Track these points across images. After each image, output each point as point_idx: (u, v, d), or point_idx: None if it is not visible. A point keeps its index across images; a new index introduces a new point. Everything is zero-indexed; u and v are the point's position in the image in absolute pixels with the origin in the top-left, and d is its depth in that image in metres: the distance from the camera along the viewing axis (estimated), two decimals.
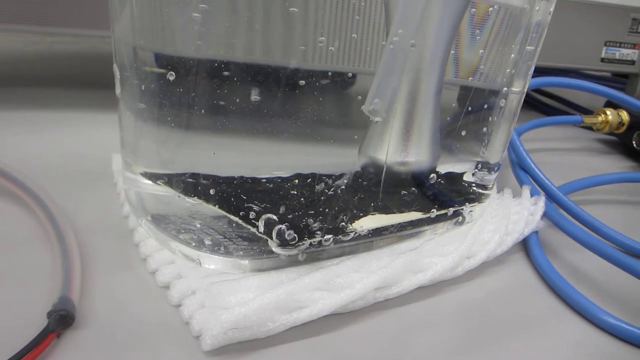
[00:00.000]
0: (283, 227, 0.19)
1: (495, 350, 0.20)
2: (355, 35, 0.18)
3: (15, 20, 0.36)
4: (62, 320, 0.17)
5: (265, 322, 0.18)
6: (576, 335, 0.21)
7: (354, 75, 0.19)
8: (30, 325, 0.17)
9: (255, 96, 0.17)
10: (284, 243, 0.19)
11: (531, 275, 0.25)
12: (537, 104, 0.61)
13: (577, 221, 0.27)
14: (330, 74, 0.18)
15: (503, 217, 0.26)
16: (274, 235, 0.19)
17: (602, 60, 0.53)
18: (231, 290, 0.18)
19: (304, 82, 0.18)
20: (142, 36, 0.19)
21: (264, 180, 0.19)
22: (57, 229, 0.22)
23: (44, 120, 0.38)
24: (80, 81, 0.51)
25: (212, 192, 0.19)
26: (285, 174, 0.19)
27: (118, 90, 0.21)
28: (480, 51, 0.21)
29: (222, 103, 0.17)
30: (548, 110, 0.59)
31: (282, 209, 0.19)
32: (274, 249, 0.19)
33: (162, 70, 0.18)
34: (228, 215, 0.19)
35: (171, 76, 0.17)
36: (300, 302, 0.19)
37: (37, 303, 0.18)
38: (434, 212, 0.23)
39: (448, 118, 0.22)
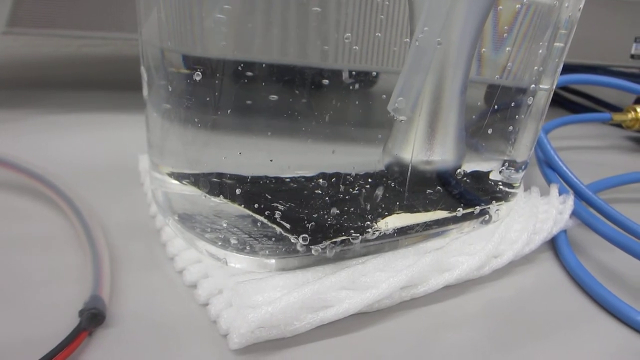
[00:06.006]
0: (309, 225, 0.19)
1: (525, 350, 0.19)
2: (380, 34, 0.18)
3: (44, 24, 0.36)
4: (93, 318, 0.17)
5: (292, 321, 0.18)
6: (608, 335, 0.21)
7: (377, 75, 0.19)
8: (62, 324, 0.17)
9: (280, 96, 0.17)
10: (309, 242, 0.19)
11: (560, 275, 0.25)
12: (565, 102, 0.60)
13: (607, 220, 0.27)
14: (354, 73, 0.18)
15: (531, 216, 0.26)
16: (300, 234, 0.19)
17: (632, 56, 0.52)
18: (258, 289, 0.18)
19: (327, 81, 0.18)
20: (170, 38, 0.19)
21: (288, 179, 0.19)
22: (86, 228, 0.22)
23: (73, 123, 0.38)
24: (108, 84, 0.52)
25: (237, 191, 0.19)
26: (308, 173, 0.19)
27: (145, 92, 0.22)
28: (508, 48, 0.21)
29: (248, 103, 0.18)
30: (576, 108, 0.58)
31: (307, 208, 0.19)
32: (299, 248, 0.19)
33: (189, 71, 0.18)
34: (253, 214, 0.19)
35: (197, 77, 0.17)
36: (326, 301, 0.19)
37: (68, 301, 0.19)
38: (460, 211, 0.23)
39: (474, 116, 0.22)
